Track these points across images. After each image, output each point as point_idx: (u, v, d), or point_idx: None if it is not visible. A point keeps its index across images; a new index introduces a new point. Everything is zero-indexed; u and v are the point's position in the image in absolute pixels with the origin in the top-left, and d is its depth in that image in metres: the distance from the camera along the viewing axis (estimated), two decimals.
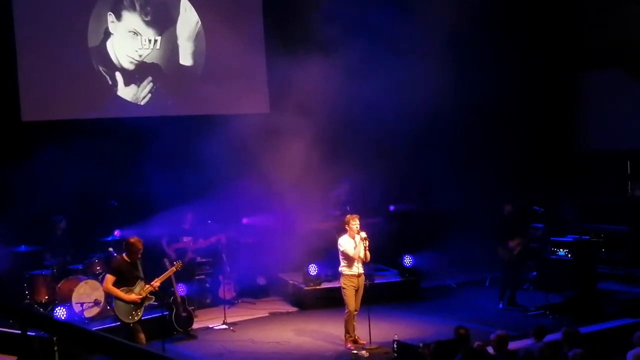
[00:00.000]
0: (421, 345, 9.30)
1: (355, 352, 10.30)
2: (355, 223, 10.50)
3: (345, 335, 10.54)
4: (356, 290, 10.54)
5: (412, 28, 13.41)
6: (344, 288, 10.56)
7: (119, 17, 13.54)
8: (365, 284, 10.61)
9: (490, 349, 8.34)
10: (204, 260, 13.05)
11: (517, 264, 12.45)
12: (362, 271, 10.55)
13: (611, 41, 15.18)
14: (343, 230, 10.73)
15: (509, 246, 12.26)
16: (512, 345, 8.99)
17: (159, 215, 12.30)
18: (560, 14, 15.81)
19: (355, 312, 10.62)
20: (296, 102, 13.33)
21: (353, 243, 10.48)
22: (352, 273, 10.50)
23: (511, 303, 12.31)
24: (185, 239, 12.77)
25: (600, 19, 15.46)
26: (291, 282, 13.63)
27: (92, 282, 11.12)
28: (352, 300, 10.49)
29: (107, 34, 13.45)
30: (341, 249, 10.52)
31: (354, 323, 10.63)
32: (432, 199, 14.19)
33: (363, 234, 10.45)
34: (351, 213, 11.03)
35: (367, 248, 10.47)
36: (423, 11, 13.69)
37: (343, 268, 10.58)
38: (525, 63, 15.25)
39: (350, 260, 10.48)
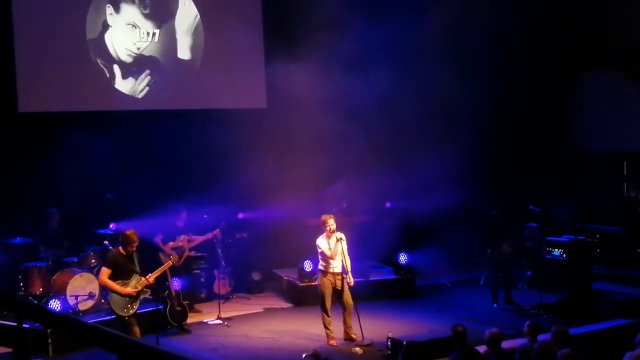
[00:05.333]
0: (405, 342, 9.35)
1: (335, 346, 10.34)
2: (331, 223, 10.58)
3: (326, 332, 10.55)
4: (335, 289, 10.57)
5: (410, 24, 13.40)
6: (320, 285, 10.65)
7: (117, 9, 13.51)
8: (348, 283, 10.59)
9: (480, 348, 8.37)
10: (199, 254, 13.00)
11: (507, 264, 12.44)
12: (340, 270, 10.55)
13: (609, 42, 15.18)
14: (320, 231, 10.79)
15: (501, 247, 12.26)
16: (506, 344, 9.01)
17: (154, 210, 12.22)
18: (557, 13, 15.80)
19: (350, 311, 10.61)
20: (294, 97, 13.33)
21: (328, 243, 10.57)
22: (330, 271, 10.58)
23: (508, 302, 12.32)
24: (181, 237, 12.54)
25: (598, 20, 15.46)
26: (286, 278, 13.64)
27: (87, 275, 11.10)
28: (327, 297, 10.52)
29: (106, 27, 13.42)
30: (319, 250, 10.65)
31: (348, 320, 10.63)
32: (428, 197, 14.18)
33: (339, 235, 10.54)
34: (329, 213, 11.10)
35: (345, 252, 10.54)
36: (422, 8, 13.69)
37: (321, 266, 10.70)
38: (522, 63, 15.25)
39: (327, 260, 10.57)
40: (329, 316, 10.58)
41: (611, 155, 15.27)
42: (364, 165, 13.56)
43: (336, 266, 10.55)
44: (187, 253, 12.41)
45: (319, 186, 13.66)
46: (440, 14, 13.64)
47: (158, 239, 12.17)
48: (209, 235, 12.57)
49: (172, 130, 13.31)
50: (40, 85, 12.81)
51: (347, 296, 10.59)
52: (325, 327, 10.56)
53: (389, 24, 13.62)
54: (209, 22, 14.35)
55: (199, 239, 12.59)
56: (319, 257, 10.71)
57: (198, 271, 12.98)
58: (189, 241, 12.49)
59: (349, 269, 10.59)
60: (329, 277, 10.57)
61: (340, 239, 10.54)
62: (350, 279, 10.60)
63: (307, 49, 13.16)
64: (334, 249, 10.50)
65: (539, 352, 7.60)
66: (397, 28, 13.55)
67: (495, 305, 12.29)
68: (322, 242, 10.63)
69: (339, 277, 10.56)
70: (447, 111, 14.62)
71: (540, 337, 8.56)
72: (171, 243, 12.29)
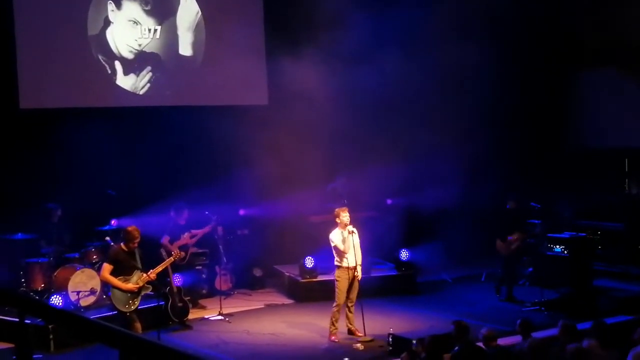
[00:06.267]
0: (414, 341, 9.28)
1: (336, 342, 10.36)
2: (344, 215, 10.55)
3: (330, 328, 10.56)
4: (350, 283, 10.58)
5: (410, 23, 13.39)
6: (337, 280, 10.61)
7: (119, 5, 13.51)
8: (356, 277, 10.59)
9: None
10: (201, 251, 13.01)
11: (513, 259, 12.50)
12: (355, 264, 10.54)
13: (608, 39, 15.16)
14: (334, 224, 10.75)
15: (508, 240, 12.31)
16: (506, 340, 9.02)
17: (156, 206, 12.21)
18: (556, 12, 15.79)
19: (352, 305, 10.65)
20: (295, 94, 13.32)
21: (342, 236, 10.53)
22: (345, 266, 10.55)
23: (509, 298, 12.36)
24: (185, 235, 12.43)
25: (597, 17, 15.43)
26: (287, 274, 13.65)
27: (89, 271, 11.11)
28: (343, 293, 10.52)
29: (107, 23, 13.42)
30: (332, 244, 10.59)
31: (351, 315, 10.66)
32: (428, 193, 14.20)
33: (350, 228, 10.51)
34: (341, 206, 11.03)
35: (357, 246, 10.53)
36: (423, 6, 13.67)
37: (336, 261, 10.65)
38: (522, 61, 15.24)
39: (341, 254, 10.54)
40: (339, 312, 10.57)
41: (612, 151, 15.26)
42: (365, 162, 13.55)
43: (351, 260, 10.54)
44: (191, 249, 12.41)
45: (320, 183, 13.65)
46: (440, 13, 13.63)
47: (165, 240, 12.06)
48: (207, 228, 12.52)
49: (173, 126, 13.31)
50: (41, 81, 12.81)
51: (355, 291, 10.61)
52: (332, 323, 10.54)
53: (389, 21, 13.63)
54: (211, 19, 14.35)
55: (200, 232, 12.54)
56: (333, 251, 10.64)
57: (199, 267, 12.97)
58: (191, 237, 12.47)
59: (358, 262, 10.59)
60: (345, 271, 10.54)
61: (352, 232, 10.53)
62: (358, 273, 10.60)
63: (309, 44, 13.16)
64: (347, 242, 10.50)
65: (531, 350, 7.61)
66: (397, 26, 13.56)
67: (497, 295, 12.38)
68: (335, 236, 10.56)
69: (353, 271, 10.56)
70: (447, 109, 14.60)
71: (538, 334, 8.58)
72: (177, 242, 12.23)
